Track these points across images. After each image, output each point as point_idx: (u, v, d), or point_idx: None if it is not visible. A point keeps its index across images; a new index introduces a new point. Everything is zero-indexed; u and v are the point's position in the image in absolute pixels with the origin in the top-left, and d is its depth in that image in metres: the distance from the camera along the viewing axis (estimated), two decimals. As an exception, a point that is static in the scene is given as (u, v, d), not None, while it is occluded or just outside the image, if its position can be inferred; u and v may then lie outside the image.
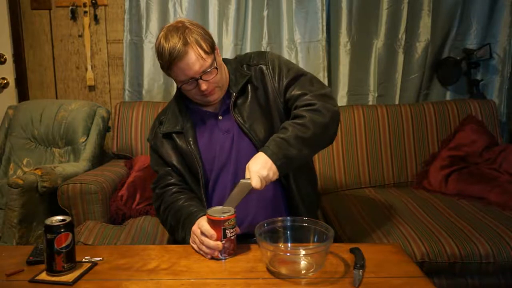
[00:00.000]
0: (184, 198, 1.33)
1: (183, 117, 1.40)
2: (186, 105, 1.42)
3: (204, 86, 1.29)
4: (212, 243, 1.11)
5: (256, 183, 1.13)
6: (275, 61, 1.40)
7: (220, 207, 1.15)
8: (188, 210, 1.28)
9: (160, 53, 1.28)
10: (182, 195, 1.35)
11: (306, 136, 1.23)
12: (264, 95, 1.38)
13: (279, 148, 1.20)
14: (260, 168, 1.16)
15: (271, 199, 1.36)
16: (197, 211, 1.26)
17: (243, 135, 1.35)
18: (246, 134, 1.34)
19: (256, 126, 1.34)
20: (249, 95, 1.37)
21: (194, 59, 1.25)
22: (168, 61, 1.26)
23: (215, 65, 1.29)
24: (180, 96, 1.43)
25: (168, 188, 1.38)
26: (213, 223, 1.11)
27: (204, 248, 1.13)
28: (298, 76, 1.37)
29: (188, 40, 1.25)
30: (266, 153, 1.19)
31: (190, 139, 1.36)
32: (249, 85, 1.38)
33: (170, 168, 1.40)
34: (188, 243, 1.22)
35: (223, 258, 1.12)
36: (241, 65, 1.42)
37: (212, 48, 1.30)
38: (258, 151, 1.22)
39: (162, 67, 1.32)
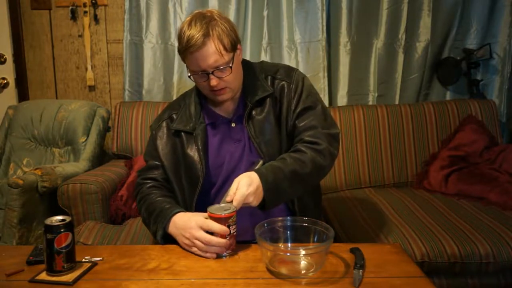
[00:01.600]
0: (159, 193, 1.33)
1: (197, 118, 1.37)
2: (201, 104, 1.40)
3: (214, 82, 1.26)
4: (223, 241, 1.11)
5: (237, 205, 1.13)
6: (300, 82, 1.38)
7: (218, 205, 1.15)
8: (161, 206, 1.27)
9: (179, 37, 1.26)
10: (157, 190, 1.35)
11: (302, 173, 1.23)
12: (279, 111, 1.36)
13: (274, 176, 1.19)
14: (249, 194, 1.14)
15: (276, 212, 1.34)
16: (170, 207, 1.25)
17: (253, 148, 1.33)
18: (256, 148, 1.33)
19: (266, 142, 1.32)
20: (266, 109, 1.35)
21: (211, 52, 1.23)
22: (184, 48, 1.24)
23: (231, 64, 1.27)
24: (197, 94, 1.41)
25: (148, 180, 1.38)
26: (217, 221, 1.11)
27: (212, 248, 1.12)
28: (315, 105, 1.35)
29: (210, 33, 1.22)
30: (260, 178, 1.17)
31: (199, 143, 1.34)
32: (268, 99, 1.36)
33: (159, 163, 1.39)
34: (159, 239, 1.22)
35: (225, 255, 1.13)
36: (265, 75, 1.39)
37: (233, 46, 1.27)
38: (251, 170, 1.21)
39: (179, 51, 1.30)
